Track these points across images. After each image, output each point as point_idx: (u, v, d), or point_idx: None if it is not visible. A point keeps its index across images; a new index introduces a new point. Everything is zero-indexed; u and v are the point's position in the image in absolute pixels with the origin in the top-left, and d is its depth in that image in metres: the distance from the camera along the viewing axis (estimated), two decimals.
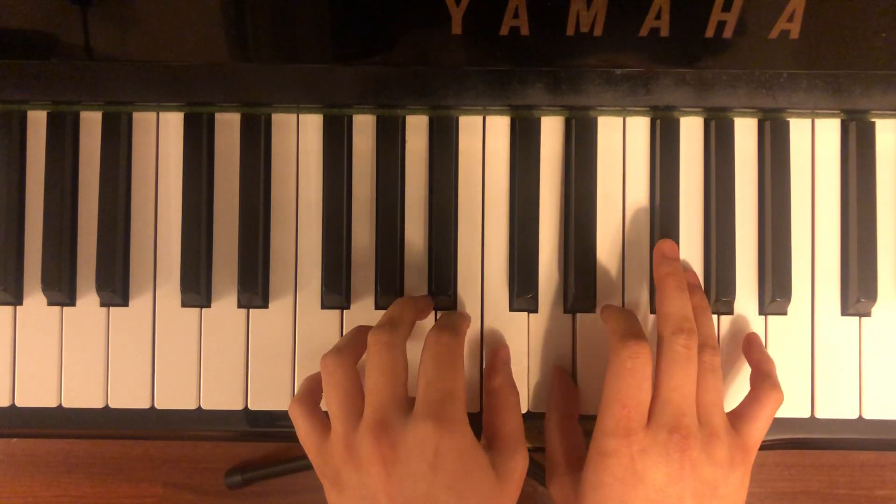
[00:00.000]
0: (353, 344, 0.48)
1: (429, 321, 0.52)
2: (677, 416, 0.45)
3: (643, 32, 0.46)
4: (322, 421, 0.47)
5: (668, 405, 0.45)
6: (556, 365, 0.53)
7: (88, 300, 0.53)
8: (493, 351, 0.52)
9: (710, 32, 0.46)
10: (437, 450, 0.43)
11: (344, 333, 0.52)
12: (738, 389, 0.53)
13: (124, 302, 0.53)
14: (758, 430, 0.47)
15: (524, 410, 0.53)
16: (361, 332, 0.49)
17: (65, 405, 0.53)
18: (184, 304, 0.53)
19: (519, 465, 0.46)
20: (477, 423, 0.50)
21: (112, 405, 0.53)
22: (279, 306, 0.53)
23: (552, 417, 0.51)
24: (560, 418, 0.50)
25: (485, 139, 0.53)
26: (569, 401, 0.51)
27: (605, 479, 0.45)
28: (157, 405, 0.53)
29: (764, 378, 0.49)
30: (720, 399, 0.47)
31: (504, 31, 0.46)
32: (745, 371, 0.52)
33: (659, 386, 0.46)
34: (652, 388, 0.46)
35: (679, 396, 0.45)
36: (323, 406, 0.48)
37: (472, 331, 0.53)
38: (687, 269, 0.53)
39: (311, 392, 0.49)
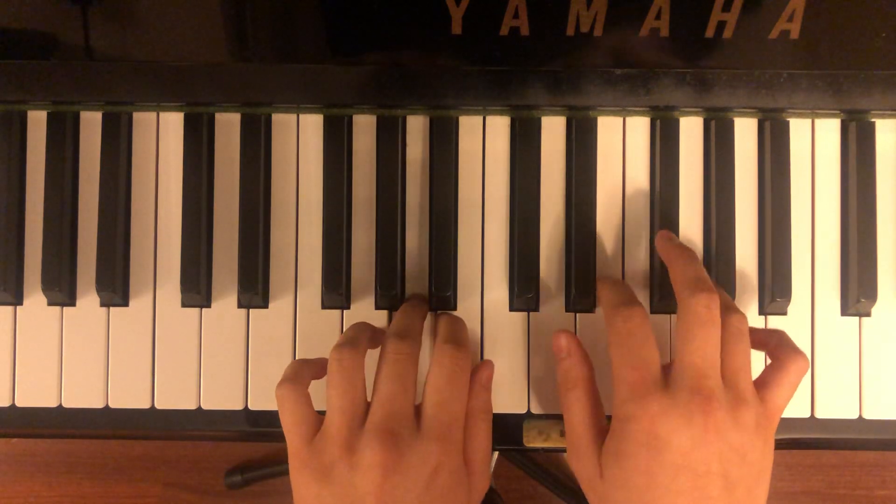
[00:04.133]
0: (365, 341, 0.48)
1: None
2: (698, 377, 0.43)
3: (643, 32, 0.46)
4: (312, 412, 0.46)
5: (688, 368, 0.43)
6: (559, 333, 0.49)
7: (88, 300, 0.53)
8: (475, 368, 0.50)
9: (710, 32, 0.46)
10: (436, 468, 0.44)
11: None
12: None
13: (124, 302, 0.53)
14: (782, 397, 0.46)
15: (523, 410, 0.53)
16: (368, 329, 0.49)
17: (65, 405, 0.53)
18: (184, 304, 0.53)
19: (479, 488, 0.48)
20: None
21: (112, 405, 0.53)
22: (279, 306, 0.53)
23: (576, 391, 0.47)
24: (584, 390, 0.47)
25: (485, 139, 0.53)
26: (590, 369, 0.49)
27: (629, 447, 0.43)
28: (157, 405, 0.53)
29: (783, 346, 0.48)
30: (748, 364, 0.45)
31: (504, 31, 0.46)
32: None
33: (680, 348, 0.44)
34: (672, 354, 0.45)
35: (699, 359, 0.43)
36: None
37: (472, 330, 0.52)
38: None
39: (301, 376, 0.47)
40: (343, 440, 0.44)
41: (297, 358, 0.52)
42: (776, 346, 0.48)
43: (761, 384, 0.46)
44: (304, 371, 0.48)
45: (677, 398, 0.43)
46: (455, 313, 0.53)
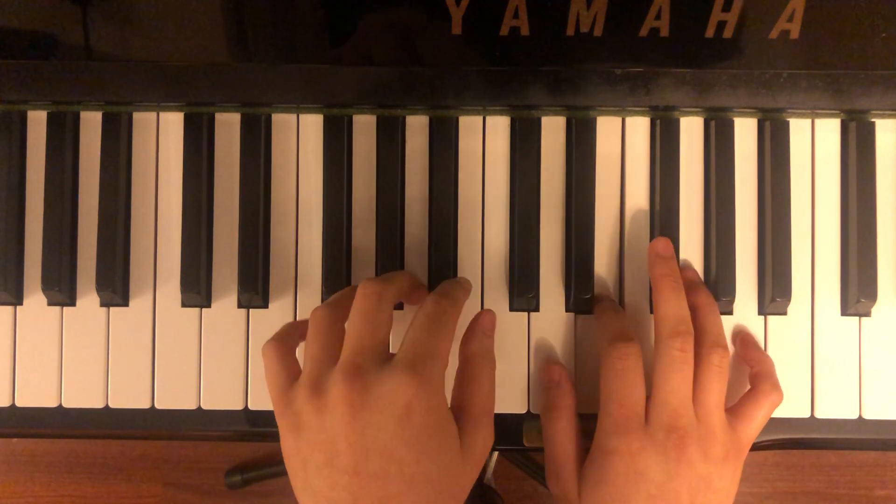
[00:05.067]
0: (346, 302, 0.47)
1: None
2: (673, 417, 0.46)
3: (643, 32, 0.46)
4: (294, 366, 0.46)
5: (664, 407, 0.46)
6: (552, 364, 0.52)
7: (88, 300, 0.53)
8: (475, 315, 0.50)
9: (710, 32, 0.46)
10: (408, 404, 0.41)
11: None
12: (737, 388, 0.53)
13: (124, 302, 0.53)
14: (753, 429, 0.48)
15: (523, 410, 0.53)
16: (353, 291, 0.49)
17: (65, 405, 0.53)
18: (184, 304, 0.53)
19: (480, 440, 0.45)
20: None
21: (112, 405, 0.53)
22: (279, 306, 0.53)
23: (561, 421, 0.50)
24: (569, 420, 0.50)
25: (485, 139, 0.53)
26: (575, 400, 0.51)
27: (608, 475, 0.46)
28: (157, 405, 0.53)
29: (764, 378, 0.50)
30: (722, 400, 0.48)
31: (504, 31, 0.46)
32: (744, 369, 0.52)
33: (656, 388, 0.47)
34: (651, 387, 0.48)
35: (675, 399, 0.46)
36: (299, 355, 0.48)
37: None
38: (688, 267, 0.53)
39: (289, 336, 0.48)
40: (311, 383, 0.43)
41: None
42: (758, 374, 0.50)
43: (734, 414, 0.49)
44: (293, 331, 0.48)
45: (655, 436, 0.46)
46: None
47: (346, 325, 0.45)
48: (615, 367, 0.47)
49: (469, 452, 0.45)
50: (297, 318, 0.53)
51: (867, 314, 0.53)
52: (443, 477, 0.43)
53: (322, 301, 0.53)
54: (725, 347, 0.48)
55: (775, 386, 0.49)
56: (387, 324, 0.45)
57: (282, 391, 0.45)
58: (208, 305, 0.53)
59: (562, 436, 0.49)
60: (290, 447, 0.44)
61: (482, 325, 0.49)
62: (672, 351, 0.47)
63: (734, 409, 0.49)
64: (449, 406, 0.46)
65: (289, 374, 0.45)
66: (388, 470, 0.41)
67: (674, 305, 0.48)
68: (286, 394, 0.44)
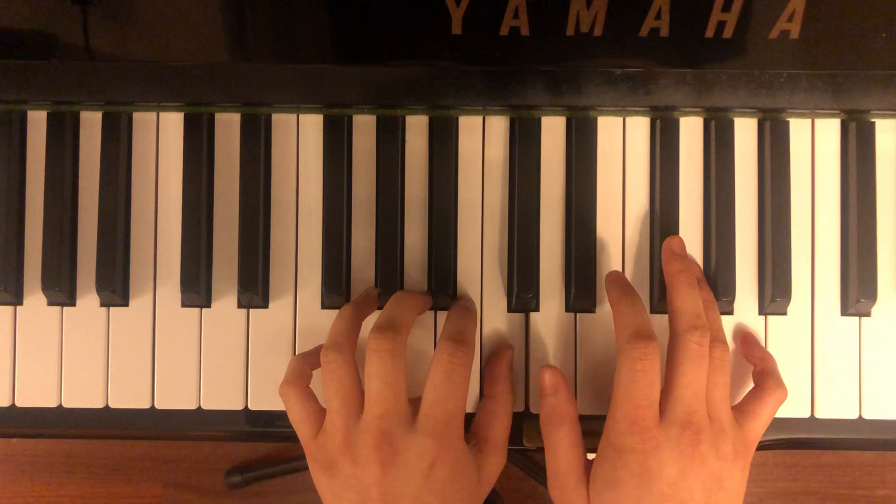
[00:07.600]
0: (352, 334, 0.49)
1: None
2: (689, 412, 0.45)
3: (643, 32, 0.46)
4: (316, 408, 0.48)
5: (680, 402, 0.46)
6: (546, 369, 0.51)
7: (88, 300, 0.53)
8: (497, 353, 0.52)
9: (710, 32, 0.46)
10: (433, 462, 0.45)
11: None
12: (739, 387, 0.53)
13: (124, 302, 0.53)
14: (760, 426, 0.48)
15: (522, 409, 0.53)
16: (357, 315, 0.50)
17: (65, 405, 0.53)
18: (184, 304, 0.53)
19: (496, 465, 0.50)
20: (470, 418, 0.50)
21: (112, 405, 0.53)
22: (279, 306, 0.53)
23: (563, 428, 0.49)
24: (571, 428, 0.49)
25: (484, 139, 0.53)
26: (575, 406, 0.50)
27: (622, 476, 0.45)
28: (157, 405, 0.53)
29: (768, 375, 0.50)
30: (727, 395, 0.48)
31: (504, 31, 0.46)
32: (746, 368, 0.52)
33: (672, 382, 0.46)
34: (663, 382, 0.47)
35: (691, 393, 0.46)
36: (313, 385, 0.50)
37: None
38: (692, 263, 0.53)
39: (302, 374, 0.49)
40: (341, 437, 0.46)
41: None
42: (762, 371, 0.50)
43: (740, 412, 0.49)
44: (305, 368, 0.50)
45: (670, 433, 0.45)
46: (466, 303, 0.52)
47: (364, 383, 0.47)
48: (634, 367, 0.45)
49: (484, 475, 0.49)
50: (297, 319, 0.53)
51: (867, 314, 0.53)
52: None
53: (322, 301, 0.53)
54: (725, 342, 0.48)
55: (779, 383, 0.49)
56: (404, 378, 0.47)
57: (311, 436, 0.48)
58: (208, 305, 0.53)
59: (565, 445, 0.48)
60: (323, 484, 0.47)
61: (505, 363, 0.51)
62: (690, 344, 0.46)
63: (740, 407, 0.49)
64: (472, 425, 0.51)
65: (314, 419, 0.48)
66: None
67: (690, 300, 0.48)
68: (316, 439, 0.47)
